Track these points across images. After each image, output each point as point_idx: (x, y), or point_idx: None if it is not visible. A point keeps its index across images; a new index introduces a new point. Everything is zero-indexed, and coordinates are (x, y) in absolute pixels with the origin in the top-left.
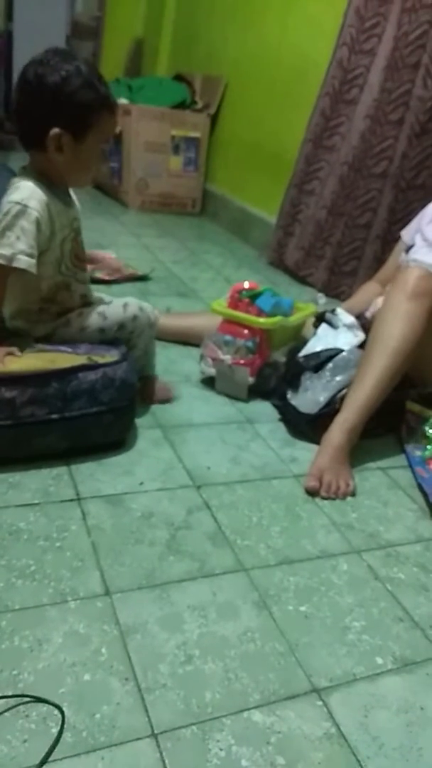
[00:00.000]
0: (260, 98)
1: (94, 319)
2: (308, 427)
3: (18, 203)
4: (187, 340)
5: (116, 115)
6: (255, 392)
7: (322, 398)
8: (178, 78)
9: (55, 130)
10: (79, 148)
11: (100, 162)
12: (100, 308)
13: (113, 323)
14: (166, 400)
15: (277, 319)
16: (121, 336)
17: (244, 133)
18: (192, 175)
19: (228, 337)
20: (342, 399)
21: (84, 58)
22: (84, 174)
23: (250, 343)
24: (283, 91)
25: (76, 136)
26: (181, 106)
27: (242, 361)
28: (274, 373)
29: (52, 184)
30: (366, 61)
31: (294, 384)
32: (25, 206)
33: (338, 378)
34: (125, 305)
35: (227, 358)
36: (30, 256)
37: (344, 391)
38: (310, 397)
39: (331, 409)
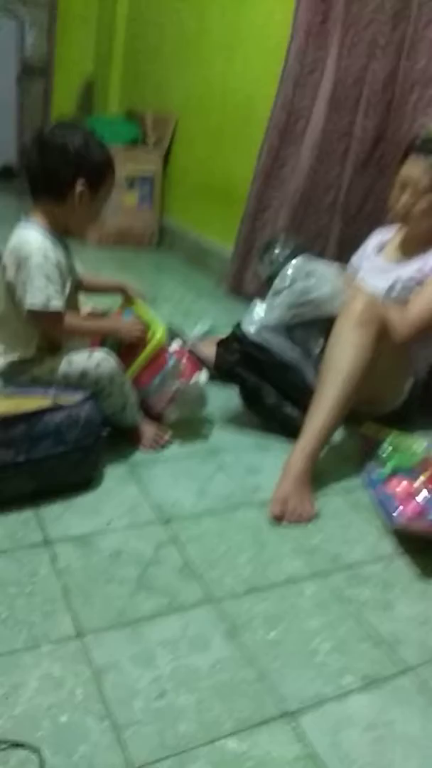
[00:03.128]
0: (210, 134)
1: (62, 363)
2: None
3: (37, 251)
4: None
5: (115, 174)
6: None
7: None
8: (130, 116)
9: (81, 185)
10: (93, 199)
11: (102, 213)
12: (70, 354)
13: (76, 370)
14: (160, 446)
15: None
16: (86, 384)
17: (196, 168)
18: (147, 210)
19: (156, 379)
20: None
21: (85, 127)
22: (92, 223)
23: (169, 366)
24: (232, 127)
25: (92, 190)
26: (134, 143)
27: (182, 381)
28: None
29: (57, 233)
30: (310, 94)
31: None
32: (46, 253)
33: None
34: (90, 354)
35: (174, 388)
36: (60, 297)
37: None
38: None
39: None
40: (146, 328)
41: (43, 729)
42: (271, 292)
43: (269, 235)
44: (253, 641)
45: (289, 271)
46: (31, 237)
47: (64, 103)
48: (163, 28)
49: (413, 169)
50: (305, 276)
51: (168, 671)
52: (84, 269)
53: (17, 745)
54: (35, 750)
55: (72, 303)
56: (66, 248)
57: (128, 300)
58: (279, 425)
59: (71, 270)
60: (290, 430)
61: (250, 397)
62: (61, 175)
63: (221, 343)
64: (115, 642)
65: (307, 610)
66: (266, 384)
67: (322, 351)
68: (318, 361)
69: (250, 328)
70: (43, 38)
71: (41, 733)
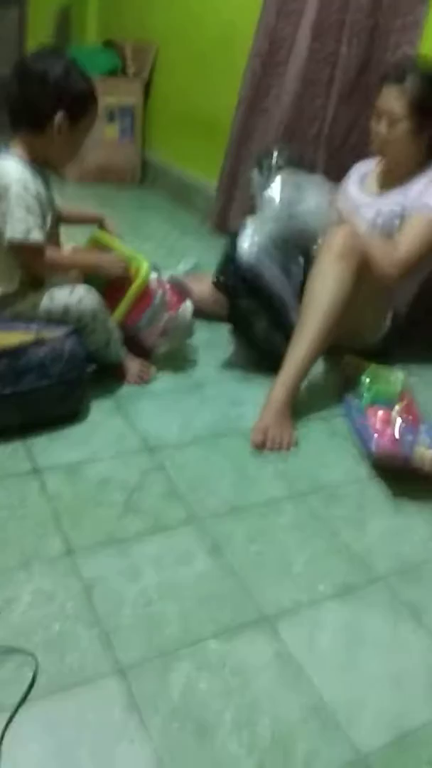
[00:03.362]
0: (192, 64)
1: (43, 297)
2: None
3: (17, 181)
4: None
5: (97, 107)
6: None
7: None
8: (108, 45)
9: (60, 115)
10: (73, 132)
11: (83, 147)
12: (51, 289)
13: (59, 305)
14: (145, 381)
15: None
16: (68, 320)
17: (178, 99)
18: (129, 144)
19: (147, 313)
20: None
21: (69, 56)
22: (73, 155)
23: (157, 300)
24: (215, 55)
25: (73, 122)
26: (113, 73)
27: (172, 312)
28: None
29: (36, 165)
30: (293, 21)
31: None
32: (26, 183)
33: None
34: (72, 289)
35: (164, 320)
36: (41, 228)
37: None
38: None
39: None
40: (127, 263)
41: (37, 637)
42: (260, 204)
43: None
44: (234, 556)
45: (277, 183)
46: (11, 168)
47: (40, 32)
48: None
49: (386, 97)
50: (293, 188)
51: (154, 583)
52: (62, 203)
53: (14, 649)
54: (31, 654)
55: (53, 238)
56: (46, 181)
57: (99, 238)
58: (262, 355)
59: (51, 202)
60: (274, 360)
61: (240, 321)
62: (40, 105)
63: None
64: (103, 559)
65: (286, 527)
66: (259, 309)
67: (303, 283)
68: (299, 291)
69: (244, 245)
70: None
71: (35, 640)
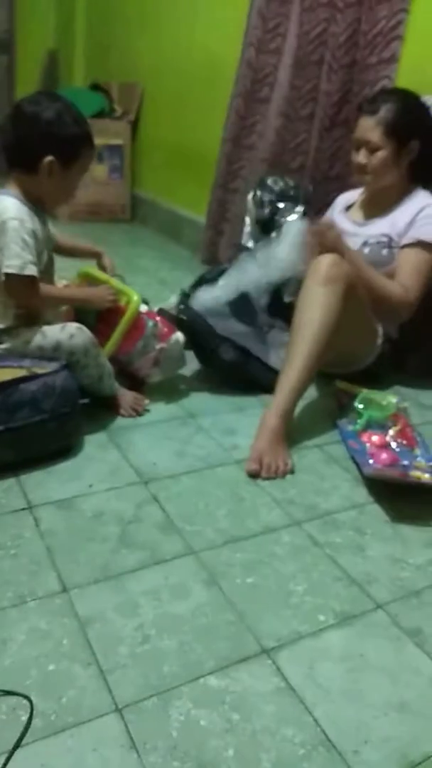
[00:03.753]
0: (177, 102)
1: (35, 334)
2: None
3: (14, 218)
4: None
5: (94, 149)
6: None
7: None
8: (95, 87)
9: (49, 158)
10: (65, 174)
11: (77, 189)
12: (44, 326)
13: (51, 341)
14: (138, 413)
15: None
16: (60, 356)
17: (165, 137)
18: (118, 182)
19: (139, 343)
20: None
21: (66, 101)
22: (65, 197)
23: (149, 331)
24: (199, 94)
25: (64, 164)
26: (101, 115)
27: (163, 342)
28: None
29: (32, 204)
30: (273, 60)
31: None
32: (22, 220)
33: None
34: (64, 326)
35: (157, 349)
36: (35, 264)
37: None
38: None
39: None
40: (117, 295)
41: (32, 677)
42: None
43: (240, 201)
44: (232, 587)
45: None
46: (10, 204)
47: (28, 77)
48: None
49: (363, 129)
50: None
51: (151, 618)
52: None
53: (8, 693)
54: (25, 696)
55: (48, 276)
56: (43, 219)
57: (89, 272)
58: (243, 382)
59: (47, 241)
60: (262, 385)
61: (207, 358)
62: (30, 147)
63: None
64: (99, 595)
65: (283, 556)
66: (223, 342)
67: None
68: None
69: (206, 297)
70: (3, 12)
71: (30, 681)
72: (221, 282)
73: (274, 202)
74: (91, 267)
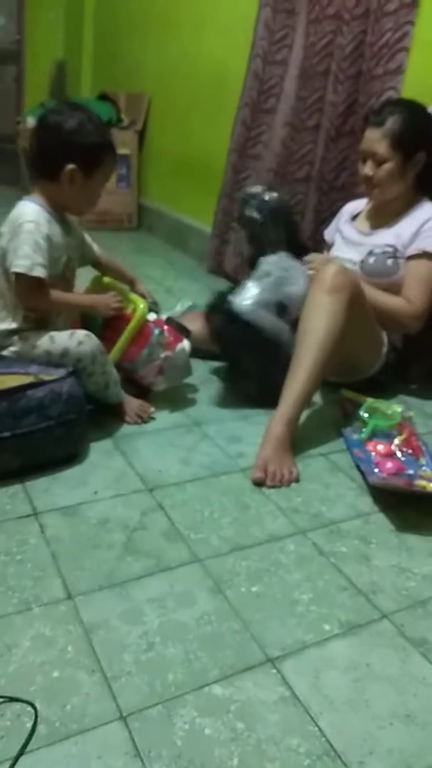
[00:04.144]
0: (184, 112)
1: (44, 339)
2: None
3: (30, 221)
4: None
5: (117, 157)
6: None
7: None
8: (103, 97)
9: (71, 166)
10: (87, 182)
11: (100, 197)
12: (53, 332)
13: (59, 347)
14: (143, 420)
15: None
16: (68, 363)
17: (171, 147)
18: (125, 192)
19: (144, 351)
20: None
21: (88, 110)
22: (87, 205)
23: (154, 339)
24: (205, 104)
25: (86, 173)
26: (108, 124)
27: (168, 350)
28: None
29: (54, 211)
30: (279, 71)
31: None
32: (38, 224)
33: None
34: (72, 333)
35: (162, 357)
36: (45, 267)
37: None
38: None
39: None
40: (124, 302)
41: (37, 684)
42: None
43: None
44: (237, 595)
45: (266, 266)
46: (29, 209)
47: (36, 87)
48: (132, 7)
49: (369, 141)
50: (282, 269)
51: (156, 626)
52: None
53: (12, 699)
54: (30, 703)
55: (65, 283)
56: (65, 227)
57: (101, 280)
58: (261, 395)
59: (68, 248)
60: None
61: (237, 371)
62: (52, 155)
63: (212, 313)
64: (104, 602)
65: (288, 565)
66: (248, 355)
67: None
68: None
69: (244, 305)
70: (12, 23)
71: (34, 687)
72: (260, 286)
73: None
74: (101, 276)
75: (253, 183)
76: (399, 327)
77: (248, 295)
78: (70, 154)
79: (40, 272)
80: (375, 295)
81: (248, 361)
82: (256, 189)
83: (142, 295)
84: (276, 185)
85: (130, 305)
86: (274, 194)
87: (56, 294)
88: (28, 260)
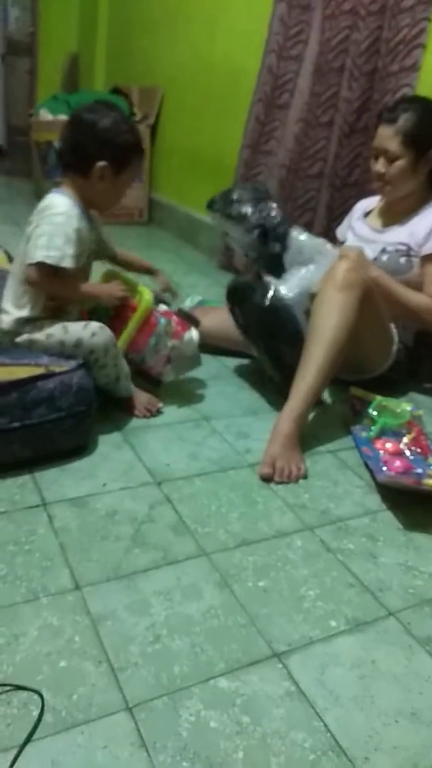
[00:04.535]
0: (197, 107)
1: (58, 329)
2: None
3: (62, 214)
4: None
5: (144, 158)
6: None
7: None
8: (116, 91)
9: (102, 163)
10: (116, 180)
11: (125, 196)
12: (66, 322)
13: (72, 337)
14: (152, 414)
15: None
16: (80, 354)
17: (184, 142)
18: (137, 186)
19: (151, 340)
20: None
21: (121, 110)
22: (114, 201)
23: (161, 328)
24: (219, 99)
25: (116, 171)
26: None
27: (176, 339)
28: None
29: (82, 205)
30: (294, 66)
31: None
32: (69, 216)
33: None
34: (86, 324)
35: (169, 347)
36: (74, 258)
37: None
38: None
39: None
40: (131, 293)
41: (43, 673)
42: (290, 266)
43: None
44: (243, 590)
45: (306, 251)
46: (61, 201)
47: (49, 79)
48: (147, 1)
49: (382, 137)
50: (322, 256)
51: (162, 618)
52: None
53: (19, 687)
54: (36, 691)
55: (83, 277)
56: (90, 223)
57: (113, 273)
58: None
59: (90, 243)
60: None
61: (267, 358)
62: (85, 152)
63: (243, 301)
64: (111, 593)
65: (296, 561)
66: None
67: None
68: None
69: (289, 293)
70: (27, 15)
71: (41, 677)
72: (301, 275)
73: (254, 199)
74: (114, 269)
75: (265, 179)
76: (421, 323)
77: (293, 284)
78: (102, 152)
79: (68, 263)
80: (399, 291)
81: (280, 348)
82: (261, 214)
83: (164, 284)
84: (248, 192)
85: (137, 295)
86: (272, 209)
87: (64, 285)
88: (58, 252)
